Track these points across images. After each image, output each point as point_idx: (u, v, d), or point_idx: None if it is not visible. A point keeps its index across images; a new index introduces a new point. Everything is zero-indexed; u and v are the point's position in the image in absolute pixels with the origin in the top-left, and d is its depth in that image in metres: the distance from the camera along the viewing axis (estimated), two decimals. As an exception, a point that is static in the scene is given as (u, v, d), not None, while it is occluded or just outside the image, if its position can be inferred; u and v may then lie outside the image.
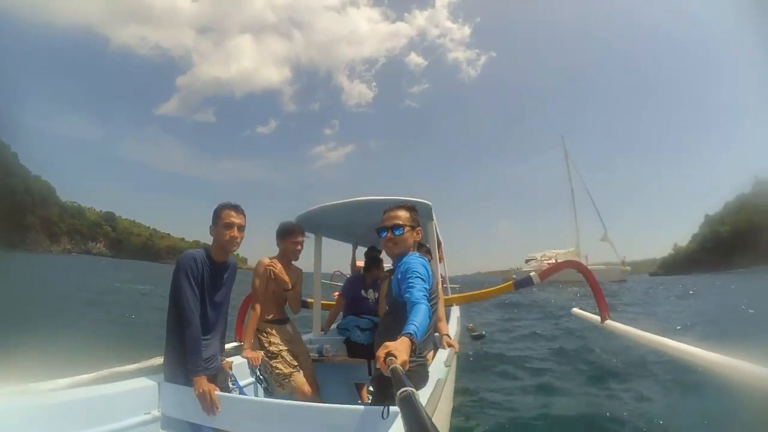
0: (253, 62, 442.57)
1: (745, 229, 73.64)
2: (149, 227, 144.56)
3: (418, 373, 1.84)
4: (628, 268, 42.43)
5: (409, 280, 1.73)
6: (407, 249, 1.97)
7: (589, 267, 6.34)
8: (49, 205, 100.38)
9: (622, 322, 4.81)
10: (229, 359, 2.44)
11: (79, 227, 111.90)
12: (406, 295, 1.67)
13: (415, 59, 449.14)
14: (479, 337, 7.81)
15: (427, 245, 3.56)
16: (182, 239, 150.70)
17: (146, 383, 2.04)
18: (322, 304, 4.30)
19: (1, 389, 1.91)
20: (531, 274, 5.45)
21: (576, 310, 6.77)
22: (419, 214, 3.25)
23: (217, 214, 2.14)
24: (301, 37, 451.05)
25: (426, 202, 3.49)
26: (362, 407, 1.57)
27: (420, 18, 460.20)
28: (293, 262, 3.01)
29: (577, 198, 47.53)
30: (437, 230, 3.92)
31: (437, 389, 1.79)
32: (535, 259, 46.16)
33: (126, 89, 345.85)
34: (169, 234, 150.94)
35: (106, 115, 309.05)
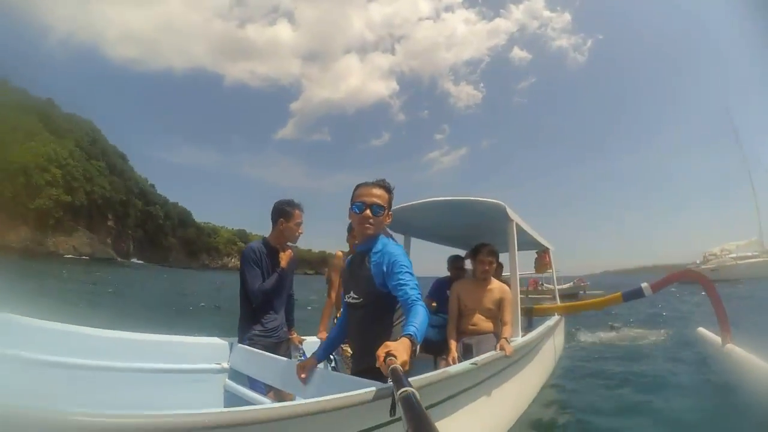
0: (360, 79, 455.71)
1: None
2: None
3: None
4: None
5: (399, 276, 1.67)
6: (379, 232, 1.89)
7: None
8: (187, 226, 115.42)
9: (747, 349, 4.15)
10: (302, 336, 2.97)
11: (214, 244, 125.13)
12: (399, 293, 1.65)
13: (519, 54, 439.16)
14: (616, 328, 9.38)
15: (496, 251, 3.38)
16: (309, 250, 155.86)
17: (222, 341, 2.62)
18: None
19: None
20: (642, 285, 4.99)
21: (701, 330, 5.93)
22: (492, 216, 3.70)
23: (291, 213, 2.62)
24: (402, 50, 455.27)
25: (499, 202, 3.51)
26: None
27: (517, 12, 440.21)
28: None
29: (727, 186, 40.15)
30: (538, 235, 4.24)
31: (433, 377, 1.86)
32: (715, 255, 40.38)
33: (244, 119, 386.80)
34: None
35: (228, 143, 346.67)
